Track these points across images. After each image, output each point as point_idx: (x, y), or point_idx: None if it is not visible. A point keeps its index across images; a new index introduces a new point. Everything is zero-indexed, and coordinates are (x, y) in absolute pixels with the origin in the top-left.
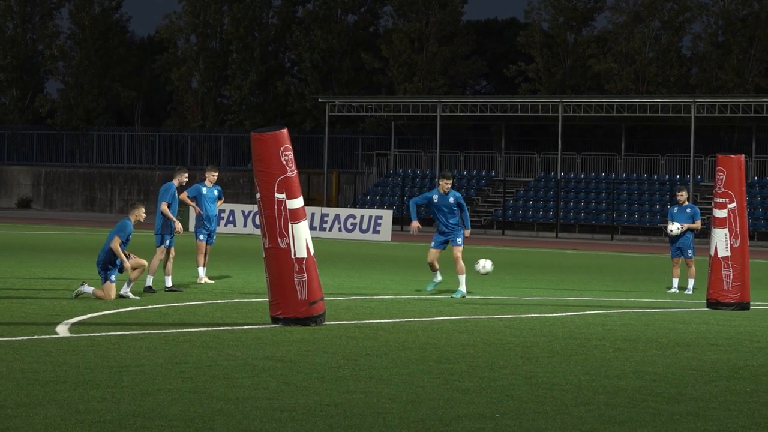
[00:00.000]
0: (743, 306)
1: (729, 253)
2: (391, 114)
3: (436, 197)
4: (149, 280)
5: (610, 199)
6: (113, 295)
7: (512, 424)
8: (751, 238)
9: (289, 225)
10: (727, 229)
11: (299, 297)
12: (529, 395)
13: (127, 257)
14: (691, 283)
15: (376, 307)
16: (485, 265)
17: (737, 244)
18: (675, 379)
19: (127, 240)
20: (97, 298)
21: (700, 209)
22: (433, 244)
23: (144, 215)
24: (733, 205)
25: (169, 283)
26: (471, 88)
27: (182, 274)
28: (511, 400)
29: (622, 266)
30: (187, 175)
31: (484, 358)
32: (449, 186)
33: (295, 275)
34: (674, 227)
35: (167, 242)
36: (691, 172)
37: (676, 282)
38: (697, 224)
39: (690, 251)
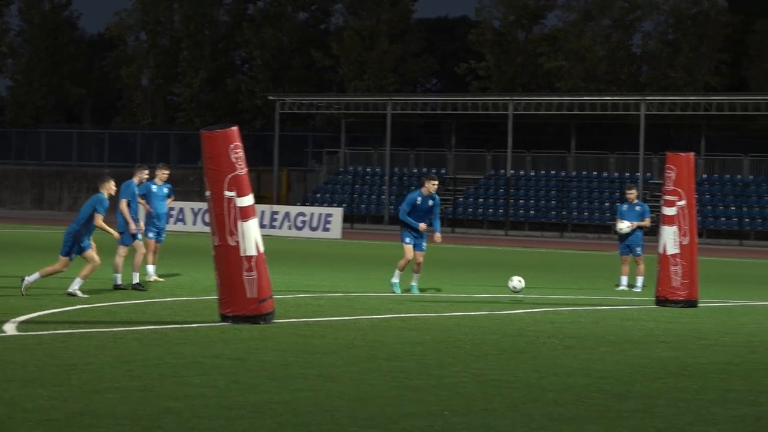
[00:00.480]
0: (691, 303)
1: (678, 251)
2: (341, 112)
3: (419, 199)
4: (135, 277)
5: (560, 196)
6: (65, 268)
7: (461, 421)
8: (700, 235)
9: (239, 223)
10: (676, 226)
11: (248, 295)
12: (478, 393)
13: (89, 247)
14: (639, 280)
15: (326, 304)
16: (516, 285)
17: (686, 241)
18: (623, 377)
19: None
20: (47, 275)
21: (650, 207)
22: (408, 239)
23: (114, 188)
24: (683, 202)
25: (119, 281)
26: (422, 86)
27: (131, 271)
28: (460, 397)
29: (571, 264)
30: (147, 172)
31: (434, 355)
32: (435, 189)
33: (245, 273)
34: (624, 225)
35: (139, 236)
36: (641, 169)
37: (624, 279)
38: (647, 222)
39: (639, 249)
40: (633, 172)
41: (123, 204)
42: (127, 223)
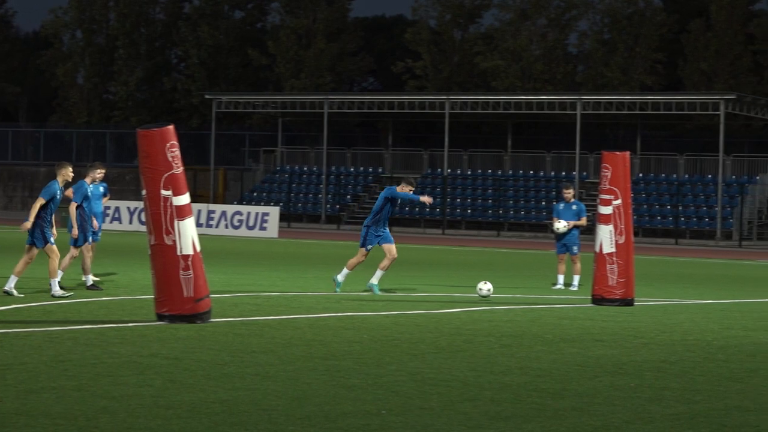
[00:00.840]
0: (627, 302)
1: (614, 250)
2: (278, 110)
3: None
4: (89, 280)
5: (497, 195)
6: (57, 252)
7: (398, 420)
8: (636, 234)
9: (175, 222)
10: (612, 225)
11: (185, 294)
12: (415, 391)
13: (52, 225)
14: (576, 279)
15: (263, 303)
16: (482, 289)
17: (622, 240)
18: (560, 375)
19: (53, 202)
20: (55, 270)
21: (586, 206)
22: (370, 246)
23: (71, 174)
24: (618, 201)
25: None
26: (358, 84)
27: (67, 270)
28: (397, 396)
29: (508, 262)
30: (99, 171)
31: (371, 354)
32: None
33: (181, 272)
34: (560, 225)
35: (90, 239)
36: (577, 168)
37: (561, 278)
38: (583, 221)
39: (575, 248)
40: (569, 171)
41: (73, 207)
42: (71, 227)
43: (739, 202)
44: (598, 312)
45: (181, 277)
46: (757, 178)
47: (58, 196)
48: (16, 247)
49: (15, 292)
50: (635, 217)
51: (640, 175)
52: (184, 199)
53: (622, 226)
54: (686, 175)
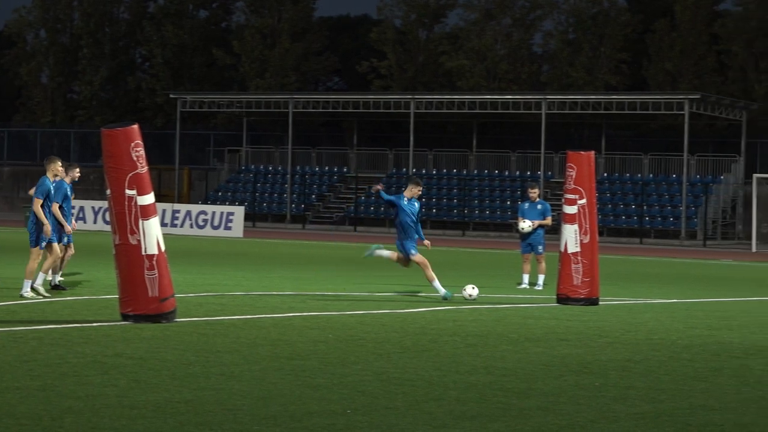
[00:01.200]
0: (592, 301)
1: (579, 249)
2: (243, 110)
3: (405, 200)
4: (55, 279)
5: (462, 195)
6: (40, 257)
7: (363, 420)
8: (601, 234)
9: (140, 221)
10: (576, 225)
11: (150, 294)
12: (381, 391)
13: (55, 239)
14: (541, 278)
15: (228, 303)
16: (471, 293)
17: (587, 239)
18: (525, 374)
19: (50, 198)
20: (52, 268)
21: (551, 205)
22: (414, 249)
23: (61, 168)
24: (583, 201)
25: (34, 280)
26: (323, 84)
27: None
28: (363, 395)
29: (473, 262)
30: (78, 170)
31: (336, 354)
32: (419, 194)
33: (146, 272)
34: (525, 225)
35: (65, 239)
36: (542, 168)
37: (526, 278)
38: (548, 221)
39: (540, 247)
40: (534, 170)
41: (55, 207)
42: (61, 225)
43: (703, 201)
44: (563, 311)
45: (145, 277)
46: (722, 177)
47: (52, 191)
48: None
49: (42, 290)
50: (600, 216)
51: (605, 174)
52: (149, 198)
53: (587, 226)
54: (651, 175)
